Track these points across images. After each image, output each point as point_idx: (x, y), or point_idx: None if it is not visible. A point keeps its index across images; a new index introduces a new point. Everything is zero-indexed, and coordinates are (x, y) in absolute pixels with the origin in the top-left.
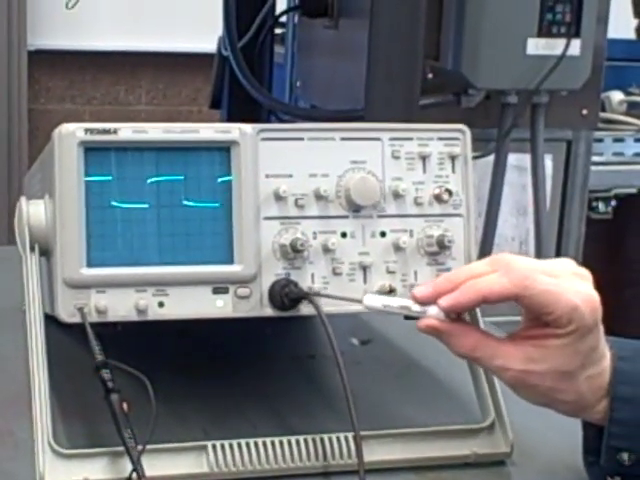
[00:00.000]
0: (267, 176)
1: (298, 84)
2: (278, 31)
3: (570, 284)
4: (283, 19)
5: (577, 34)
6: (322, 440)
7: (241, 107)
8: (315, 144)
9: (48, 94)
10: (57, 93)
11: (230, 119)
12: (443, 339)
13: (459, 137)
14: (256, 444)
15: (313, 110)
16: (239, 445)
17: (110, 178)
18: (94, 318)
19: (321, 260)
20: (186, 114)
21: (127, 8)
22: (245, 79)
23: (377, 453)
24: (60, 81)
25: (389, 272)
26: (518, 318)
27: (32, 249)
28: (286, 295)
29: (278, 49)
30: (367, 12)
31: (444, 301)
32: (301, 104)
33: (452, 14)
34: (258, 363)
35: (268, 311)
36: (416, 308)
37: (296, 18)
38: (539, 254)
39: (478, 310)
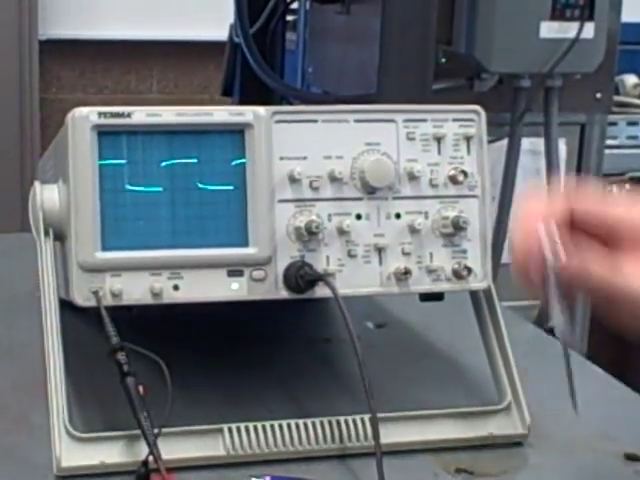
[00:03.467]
0: (281, 158)
1: (310, 70)
2: (290, 17)
3: None
4: (294, 5)
5: (591, 17)
6: (338, 422)
7: (253, 94)
8: (329, 126)
9: (59, 83)
10: (68, 82)
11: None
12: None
13: (474, 118)
14: (272, 427)
15: (325, 96)
16: (255, 428)
17: (124, 162)
18: (109, 302)
19: (336, 242)
20: (198, 102)
21: None
22: (257, 66)
23: (394, 435)
24: (71, 70)
25: (404, 254)
26: (534, 302)
27: (46, 234)
28: (301, 277)
29: (290, 35)
30: None
31: None
32: (313, 90)
33: None
34: (273, 346)
35: (283, 293)
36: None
37: (307, 4)
38: None
39: (495, 292)
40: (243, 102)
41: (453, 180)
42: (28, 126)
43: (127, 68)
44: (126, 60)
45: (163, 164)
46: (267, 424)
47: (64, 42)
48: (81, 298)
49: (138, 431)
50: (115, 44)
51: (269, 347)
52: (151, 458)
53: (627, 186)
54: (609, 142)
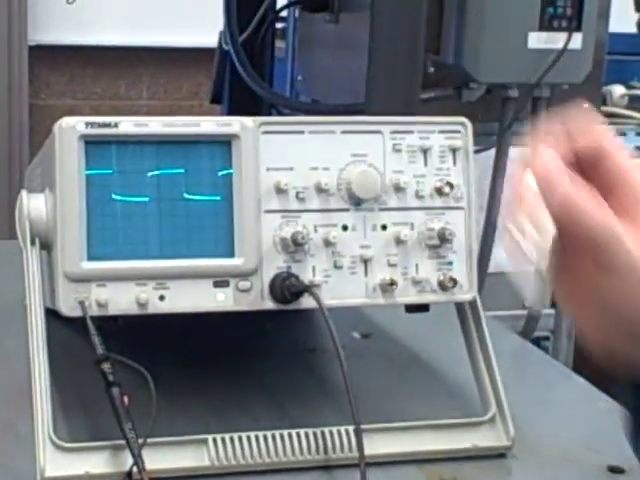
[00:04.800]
0: (268, 169)
1: (299, 78)
2: (279, 25)
3: None
4: (284, 13)
5: (578, 28)
6: (323, 433)
7: (242, 102)
8: (316, 137)
9: (48, 89)
10: (58, 88)
11: (231, 114)
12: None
13: (460, 130)
14: (257, 437)
15: (314, 104)
16: (240, 438)
17: (111, 171)
18: (95, 312)
19: (322, 253)
20: (187, 109)
21: (127, 3)
22: (246, 73)
23: (378, 446)
24: (61, 76)
25: (390, 265)
26: (521, 312)
27: (33, 243)
28: (287, 288)
29: (279, 43)
30: (368, 6)
31: None
32: (302, 98)
33: (453, 8)
34: (259, 356)
35: (269, 304)
36: None
37: (297, 12)
38: None
39: (480, 304)
40: (232, 110)
41: (439, 192)
42: (17, 132)
43: (117, 74)
44: (116, 66)
45: (150, 174)
46: (252, 435)
47: (53, 48)
48: (67, 308)
49: (123, 441)
50: (105, 50)
51: (255, 357)
52: (135, 468)
53: None
54: None
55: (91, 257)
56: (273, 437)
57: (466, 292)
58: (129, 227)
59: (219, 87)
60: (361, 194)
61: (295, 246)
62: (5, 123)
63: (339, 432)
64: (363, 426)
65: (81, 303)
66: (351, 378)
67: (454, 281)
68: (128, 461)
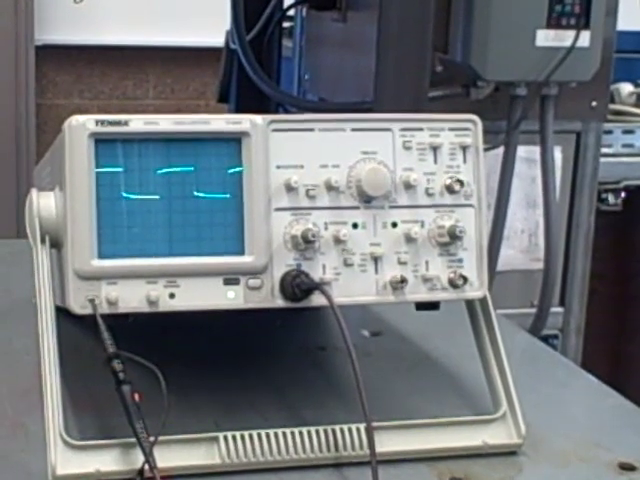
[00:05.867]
0: (278, 167)
1: (306, 77)
2: (286, 24)
3: None
4: (291, 12)
5: (586, 25)
6: (334, 431)
7: (249, 101)
8: (326, 135)
9: (56, 89)
10: (65, 88)
11: (238, 113)
12: None
13: (470, 127)
14: (267, 435)
15: (322, 103)
16: (250, 436)
17: (121, 169)
18: (105, 310)
19: (332, 251)
20: (194, 108)
21: (134, 2)
22: (253, 72)
23: (389, 444)
24: (68, 76)
25: (400, 263)
26: (530, 310)
27: (43, 241)
28: (297, 286)
29: (286, 42)
30: (375, 5)
31: None
32: (309, 97)
33: (461, 6)
34: (269, 354)
35: (279, 302)
36: None
37: (304, 11)
38: (549, 246)
39: (490, 302)
40: (239, 109)
41: (449, 189)
42: (24, 131)
43: (124, 73)
44: (123, 65)
45: (160, 172)
46: (262, 432)
47: (60, 47)
48: (77, 306)
49: (134, 439)
50: (112, 49)
51: (265, 355)
52: (146, 466)
53: (622, 194)
54: (604, 150)
55: (101, 255)
56: (284, 435)
57: (477, 290)
58: (139, 225)
59: (226, 86)
60: (371, 192)
61: (305, 244)
62: (12, 123)
63: (350, 430)
64: (374, 424)
65: (91, 301)
66: (361, 376)
67: (464, 279)
68: (139, 459)
